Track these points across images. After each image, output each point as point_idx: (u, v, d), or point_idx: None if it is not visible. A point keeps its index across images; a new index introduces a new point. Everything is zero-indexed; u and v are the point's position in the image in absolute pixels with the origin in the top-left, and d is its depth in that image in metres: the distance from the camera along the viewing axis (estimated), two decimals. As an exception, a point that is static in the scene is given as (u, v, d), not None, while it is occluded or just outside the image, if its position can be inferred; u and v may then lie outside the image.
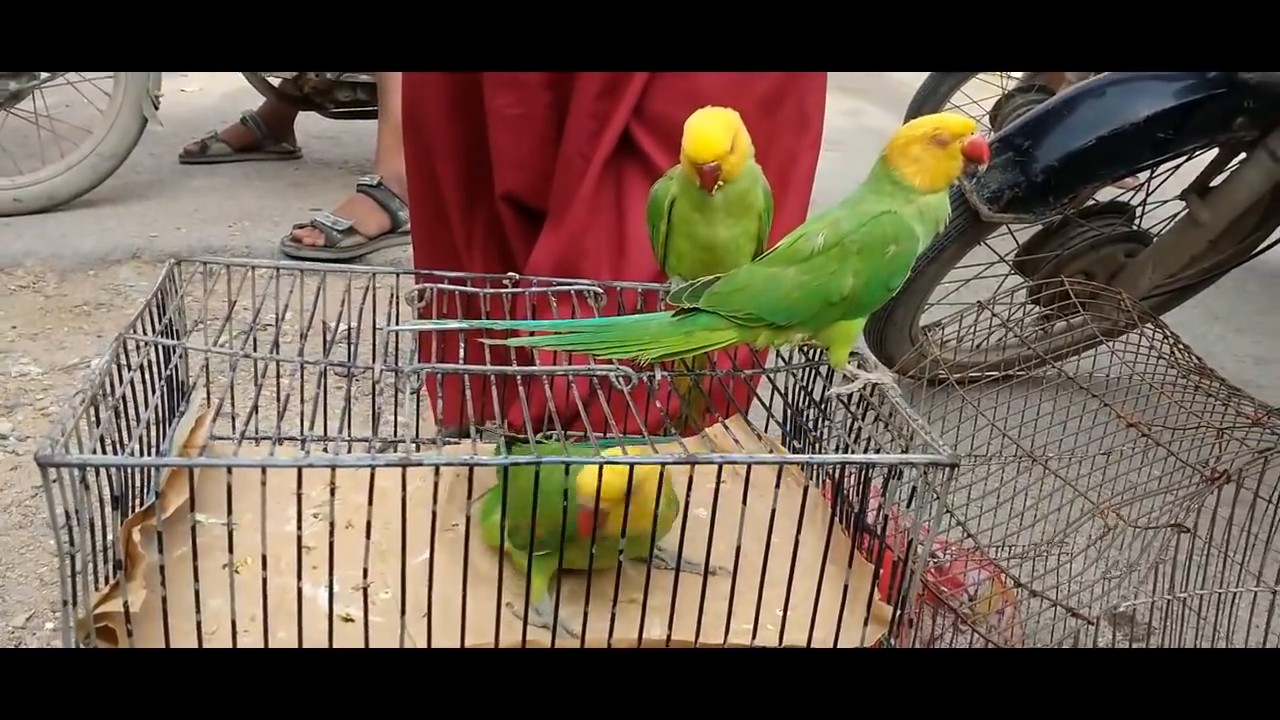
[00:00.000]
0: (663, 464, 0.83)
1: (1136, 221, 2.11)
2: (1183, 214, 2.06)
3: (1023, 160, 1.83)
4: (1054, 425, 1.52)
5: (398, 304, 1.10)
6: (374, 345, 1.10)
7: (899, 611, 0.90)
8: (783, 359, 1.13)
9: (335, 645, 0.82)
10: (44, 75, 2.68)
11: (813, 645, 0.89)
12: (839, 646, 0.89)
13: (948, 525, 1.32)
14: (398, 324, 1.00)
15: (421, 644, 0.84)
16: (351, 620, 0.89)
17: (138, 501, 0.91)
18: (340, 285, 1.13)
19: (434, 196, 1.54)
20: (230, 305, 1.05)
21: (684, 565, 0.91)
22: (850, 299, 0.95)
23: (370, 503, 0.79)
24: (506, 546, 0.91)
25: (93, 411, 0.82)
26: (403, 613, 0.83)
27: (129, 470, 0.87)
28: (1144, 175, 2.03)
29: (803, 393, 1.10)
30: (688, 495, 0.87)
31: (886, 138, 0.96)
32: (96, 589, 0.81)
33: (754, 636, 0.90)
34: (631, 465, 0.82)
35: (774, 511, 0.84)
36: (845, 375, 0.99)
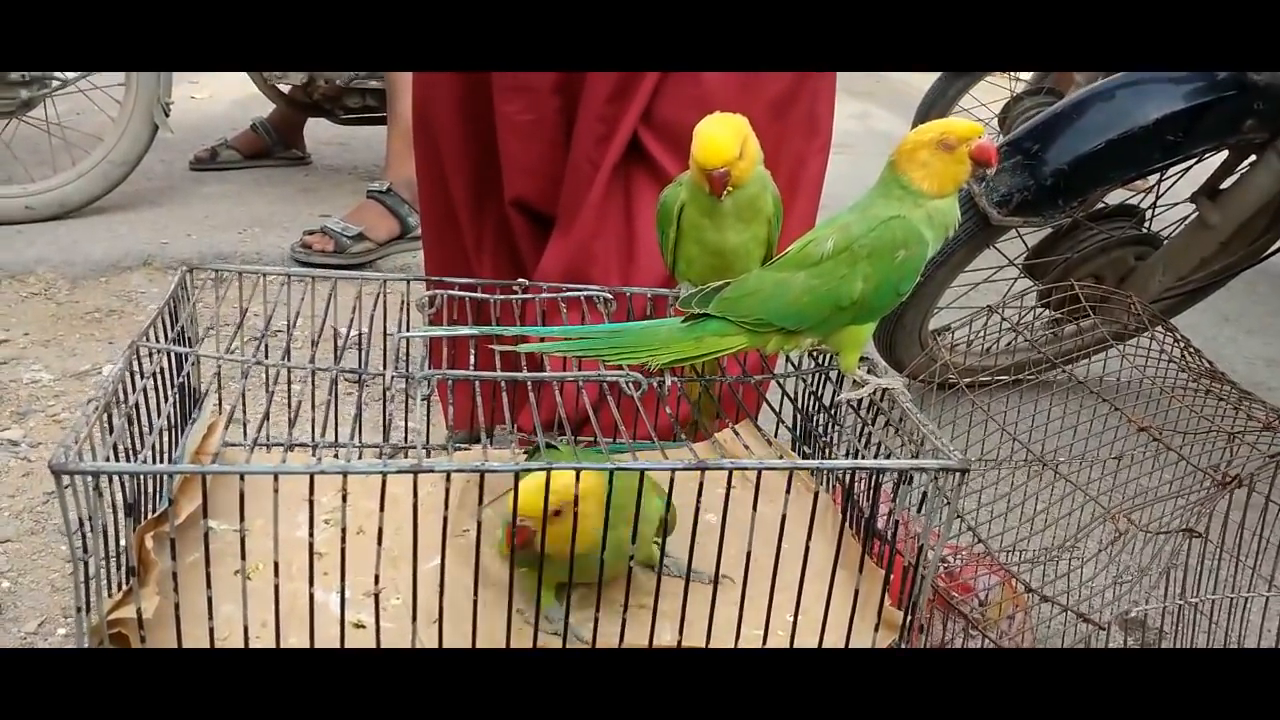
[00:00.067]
0: (673, 470, 0.83)
1: (1146, 224, 2.11)
2: (1193, 217, 2.06)
3: (1032, 164, 1.82)
4: (1064, 429, 1.52)
5: (409, 310, 1.10)
6: (385, 351, 1.11)
7: (909, 617, 0.90)
8: (792, 364, 1.13)
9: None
10: (55, 83, 2.69)
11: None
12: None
13: (958, 530, 1.31)
14: (409, 330, 1.00)
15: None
16: (363, 626, 0.89)
17: (150, 508, 0.91)
18: (351, 291, 1.13)
19: (444, 200, 1.55)
20: (242, 313, 1.06)
21: (692, 575, 0.91)
22: (860, 304, 0.95)
23: (382, 509, 0.80)
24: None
25: (106, 419, 0.82)
26: (414, 619, 0.84)
27: (141, 477, 0.88)
28: (1154, 178, 2.02)
29: (812, 398, 1.10)
30: (698, 501, 0.88)
31: (894, 141, 0.96)
32: (109, 595, 0.82)
33: (764, 642, 0.90)
34: (548, 480, 0.81)
35: (784, 517, 0.85)
36: (855, 380, 0.99)
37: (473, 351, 1.01)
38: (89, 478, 0.74)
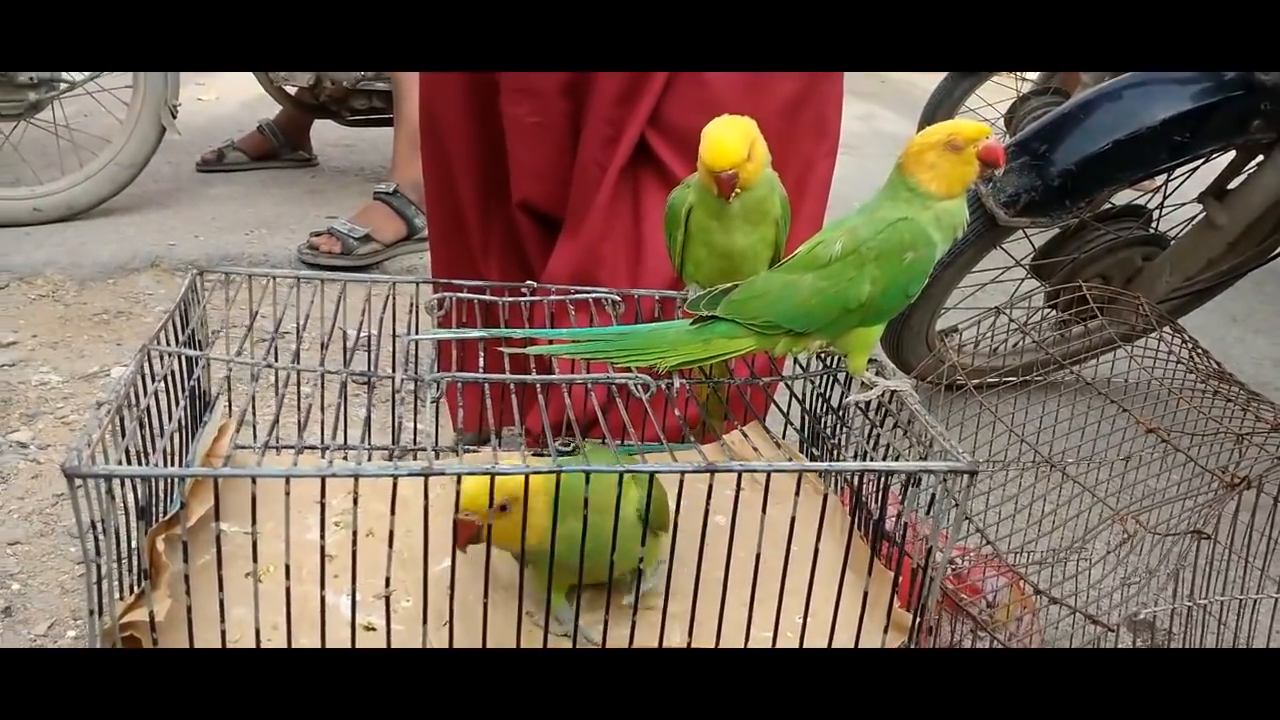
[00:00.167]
0: (682, 473, 0.83)
1: (1154, 225, 2.10)
2: (1200, 217, 2.06)
3: (1039, 164, 1.82)
4: (1072, 431, 1.52)
5: (418, 313, 1.10)
6: (394, 354, 1.11)
7: (918, 619, 0.90)
8: (800, 366, 1.13)
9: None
10: (63, 86, 2.70)
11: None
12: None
13: (966, 532, 1.31)
14: (418, 333, 1.00)
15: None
16: (373, 629, 0.90)
17: (161, 511, 0.92)
18: (360, 294, 1.14)
19: (451, 201, 1.55)
20: (252, 316, 1.06)
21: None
22: (868, 306, 0.95)
23: (393, 511, 0.80)
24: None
25: (118, 422, 0.82)
26: (424, 621, 0.84)
27: (153, 480, 0.88)
28: (1161, 178, 2.02)
29: (820, 400, 1.11)
30: (707, 503, 0.88)
31: (900, 142, 0.96)
32: (121, 598, 0.82)
33: (774, 643, 0.90)
34: (492, 477, 0.81)
35: (793, 519, 0.85)
36: (864, 382, 0.99)
37: (481, 354, 1.01)
38: (101, 481, 0.74)
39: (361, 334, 1.07)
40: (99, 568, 0.76)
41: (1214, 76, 1.80)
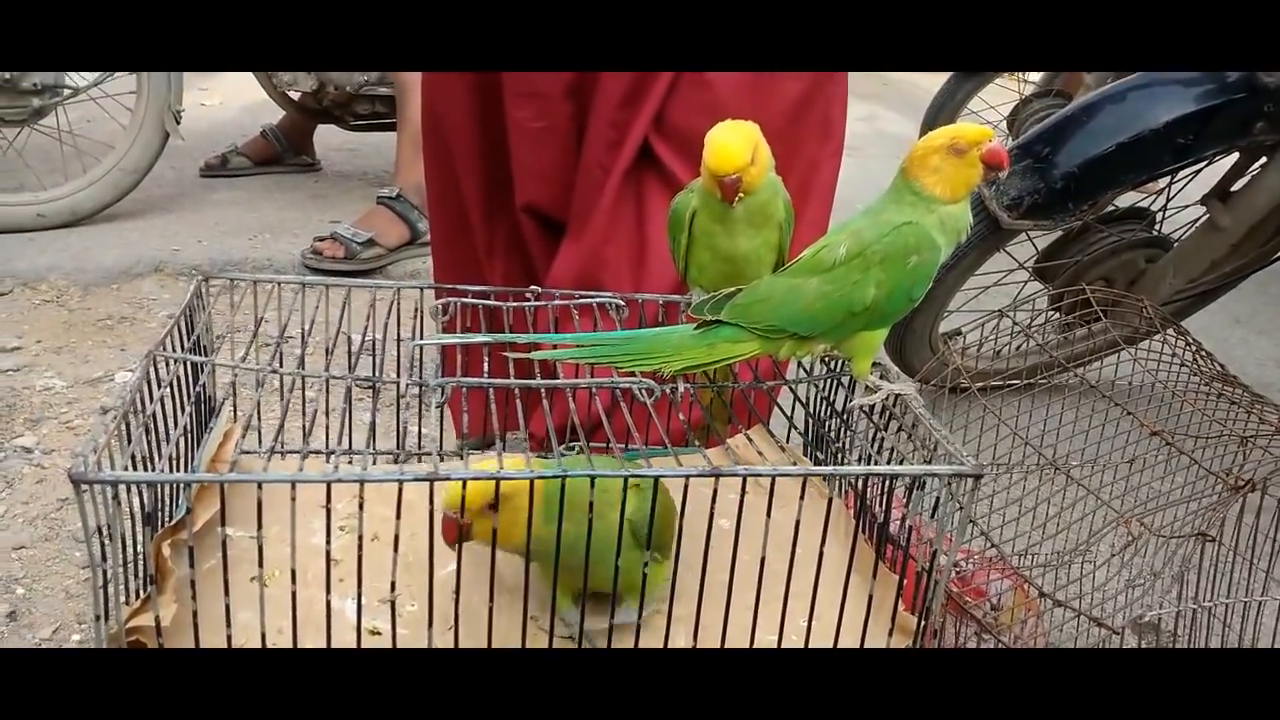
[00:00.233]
0: (687, 477, 0.83)
1: (1157, 227, 2.10)
2: (1203, 219, 2.06)
3: (1042, 167, 1.82)
4: (1076, 433, 1.52)
5: (422, 317, 1.10)
6: (398, 359, 1.11)
7: (923, 622, 0.90)
8: (805, 370, 1.13)
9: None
10: (66, 91, 2.71)
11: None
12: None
13: (970, 535, 1.31)
14: (422, 338, 1.00)
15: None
16: (378, 633, 0.90)
17: (167, 516, 0.92)
18: (364, 299, 1.14)
19: (455, 203, 1.55)
20: (257, 321, 1.06)
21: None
22: (872, 309, 0.95)
23: (398, 516, 0.80)
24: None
25: (124, 428, 0.83)
26: (429, 625, 0.84)
27: (159, 485, 0.88)
28: (1164, 181, 2.02)
29: (825, 403, 1.11)
30: (712, 507, 0.88)
31: (903, 143, 0.97)
32: (126, 603, 0.82)
33: (779, 647, 0.90)
34: (466, 481, 0.81)
35: (798, 523, 0.85)
36: (868, 386, 0.99)
37: (486, 359, 1.01)
38: (108, 486, 0.74)
39: (366, 339, 1.07)
40: (104, 573, 0.76)
41: (1217, 79, 1.80)
